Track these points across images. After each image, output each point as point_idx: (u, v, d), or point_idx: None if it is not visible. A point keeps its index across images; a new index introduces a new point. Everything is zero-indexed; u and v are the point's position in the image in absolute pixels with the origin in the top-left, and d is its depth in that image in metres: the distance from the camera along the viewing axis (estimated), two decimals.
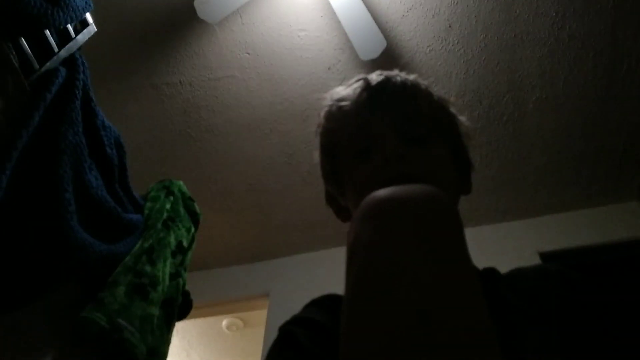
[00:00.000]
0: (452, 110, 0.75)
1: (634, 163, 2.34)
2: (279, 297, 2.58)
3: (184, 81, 2.09)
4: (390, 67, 0.78)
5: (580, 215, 2.54)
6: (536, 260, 2.34)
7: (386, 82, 0.71)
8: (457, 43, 1.94)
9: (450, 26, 1.89)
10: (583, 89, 2.07)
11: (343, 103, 0.72)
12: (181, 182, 1.56)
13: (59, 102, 0.95)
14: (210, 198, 2.50)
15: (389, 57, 1.93)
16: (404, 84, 0.71)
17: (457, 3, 1.82)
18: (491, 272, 0.64)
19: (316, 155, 0.80)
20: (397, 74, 0.73)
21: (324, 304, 0.66)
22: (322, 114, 0.76)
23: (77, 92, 1.00)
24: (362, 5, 1.70)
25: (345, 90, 0.74)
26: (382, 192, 0.41)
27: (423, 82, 0.74)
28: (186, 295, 1.40)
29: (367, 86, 0.71)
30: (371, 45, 1.79)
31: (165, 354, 1.21)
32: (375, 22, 1.75)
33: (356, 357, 0.33)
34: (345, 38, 1.89)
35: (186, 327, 3.24)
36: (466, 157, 0.75)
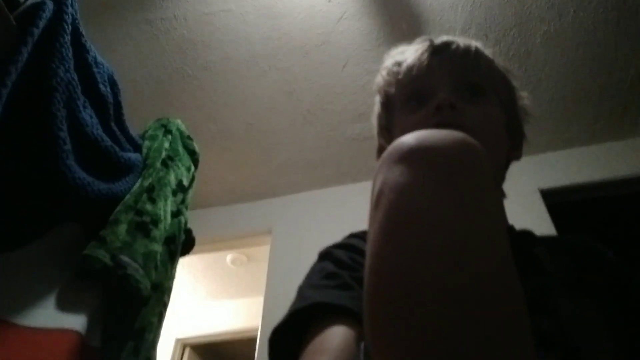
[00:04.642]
0: (513, 81, 0.76)
1: None
2: (281, 234, 2.63)
3: (178, 15, 2.00)
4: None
5: (583, 152, 2.52)
6: (537, 197, 2.35)
7: (450, 41, 0.71)
8: None
9: None
10: (592, 23, 1.99)
11: (404, 58, 0.72)
12: (179, 121, 1.53)
13: (48, 37, 0.91)
14: (210, 137, 2.48)
15: None
16: (468, 43, 0.72)
17: None
18: (528, 233, 0.66)
19: (373, 118, 0.81)
20: (464, 39, 0.73)
21: (363, 236, 0.67)
22: (383, 72, 0.76)
23: (66, 26, 0.96)
24: None
25: (407, 47, 0.74)
26: (411, 136, 0.40)
27: (488, 50, 0.75)
28: (189, 233, 1.42)
29: (431, 44, 0.71)
30: None
31: (169, 289, 1.24)
32: None
33: (380, 298, 0.33)
34: None
35: (192, 262, 3.33)
36: (519, 126, 0.77)
